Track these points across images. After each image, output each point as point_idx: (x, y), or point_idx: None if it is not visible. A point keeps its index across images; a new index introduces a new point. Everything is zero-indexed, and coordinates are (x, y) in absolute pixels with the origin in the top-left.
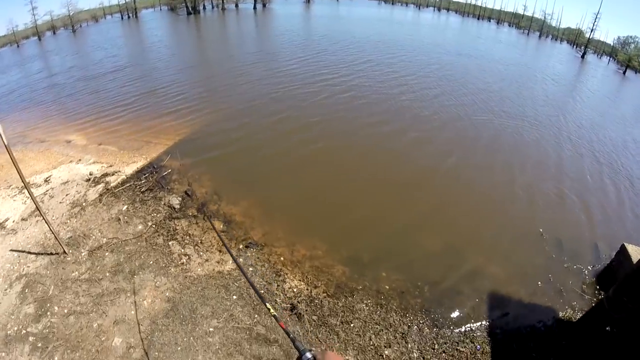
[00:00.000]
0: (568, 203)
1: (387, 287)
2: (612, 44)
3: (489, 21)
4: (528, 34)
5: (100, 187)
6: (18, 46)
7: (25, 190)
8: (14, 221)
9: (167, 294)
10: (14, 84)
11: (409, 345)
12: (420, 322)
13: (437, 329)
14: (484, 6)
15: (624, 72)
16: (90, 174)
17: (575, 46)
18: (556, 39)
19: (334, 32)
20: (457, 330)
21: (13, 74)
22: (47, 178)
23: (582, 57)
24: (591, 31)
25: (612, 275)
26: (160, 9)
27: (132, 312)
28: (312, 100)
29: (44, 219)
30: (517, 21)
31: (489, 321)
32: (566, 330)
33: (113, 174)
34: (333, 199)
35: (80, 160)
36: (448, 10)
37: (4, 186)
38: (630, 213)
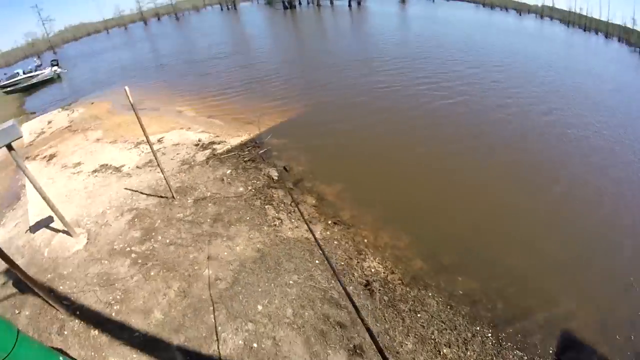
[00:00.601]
0: None
1: (461, 292)
2: None
3: (597, 34)
4: None
5: (208, 152)
6: (126, 28)
7: (140, 146)
8: (129, 167)
9: (257, 246)
10: (126, 61)
11: (468, 353)
12: (486, 334)
13: (499, 347)
14: (590, 16)
15: None
16: (199, 140)
17: None
18: None
19: (433, 35)
20: (519, 354)
21: (124, 52)
22: (160, 139)
23: None
24: None
25: None
26: (258, 2)
27: (225, 253)
28: (414, 103)
29: (158, 165)
30: (627, 36)
31: (564, 348)
32: None
33: (219, 143)
34: (425, 200)
35: (189, 128)
36: (551, 18)
37: (121, 140)
38: None
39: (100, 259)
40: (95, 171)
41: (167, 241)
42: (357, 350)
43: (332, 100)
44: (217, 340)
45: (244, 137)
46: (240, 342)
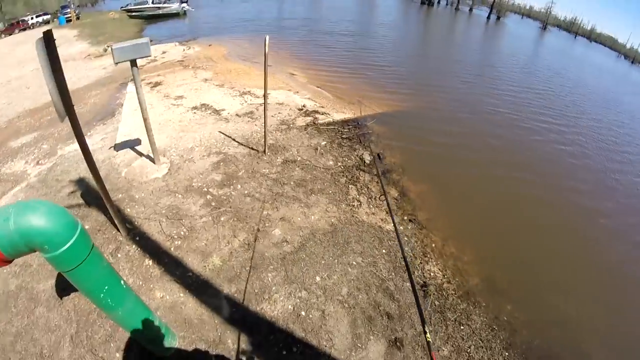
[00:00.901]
0: None
1: (505, 318)
2: None
3: None
4: None
5: (309, 119)
6: None
7: (245, 96)
8: (229, 113)
9: (332, 220)
10: (252, 14)
11: None
12: None
13: None
14: None
15: None
16: (304, 106)
17: None
18: None
19: (566, 74)
20: None
21: (252, 6)
22: (263, 94)
23: None
24: None
25: None
26: None
27: (299, 219)
28: (528, 137)
29: (264, 116)
30: None
31: None
32: None
33: (322, 114)
34: (502, 227)
35: (297, 92)
36: None
37: (228, 86)
38: None
39: (176, 192)
40: (195, 108)
41: (246, 192)
42: (398, 344)
43: (443, 107)
44: (268, 300)
45: (348, 115)
46: (290, 306)
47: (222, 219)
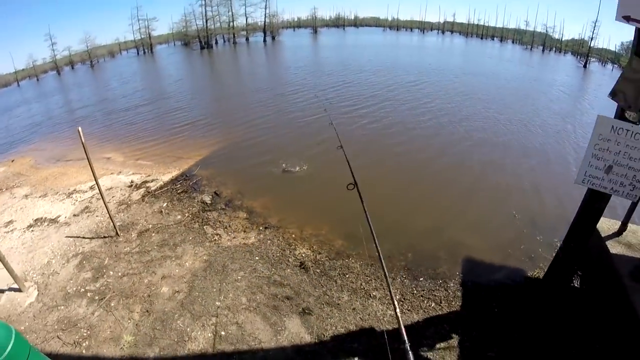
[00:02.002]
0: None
1: (376, 254)
2: (615, 51)
3: (492, 39)
4: (531, 48)
5: (142, 190)
6: (37, 79)
7: (73, 195)
8: (66, 217)
9: (204, 257)
10: (42, 115)
11: (393, 290)
12: (403, 276)
13: (416, 281)
14: (487, 25)
15: None
16: (132, 182)
17: (579, 56)
18: (560, 51)
19: (343, 61)
20: (433, 282)
21: (39, 106)
22: (92, 186)
23: (585, 66)
24: (591, 39)
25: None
26: (174, 44)
27: (177, 270)
28: (321, 128)
29: (103, 200)
30: (520, 37)
31: (462, 276)
32: (533, 285)
33: (152, 181)
34: (334, 197)
35: (120, 172)
36: (452, 32)
37: (52, 193)
38: None
39: (56, 306)
40: (30, 226)
41: (120, 274)
42: (306, 311)
43: (245, 134)
44: (189, 339)
45: (174, 173)
46: (209, 334)
47: (112, 304)
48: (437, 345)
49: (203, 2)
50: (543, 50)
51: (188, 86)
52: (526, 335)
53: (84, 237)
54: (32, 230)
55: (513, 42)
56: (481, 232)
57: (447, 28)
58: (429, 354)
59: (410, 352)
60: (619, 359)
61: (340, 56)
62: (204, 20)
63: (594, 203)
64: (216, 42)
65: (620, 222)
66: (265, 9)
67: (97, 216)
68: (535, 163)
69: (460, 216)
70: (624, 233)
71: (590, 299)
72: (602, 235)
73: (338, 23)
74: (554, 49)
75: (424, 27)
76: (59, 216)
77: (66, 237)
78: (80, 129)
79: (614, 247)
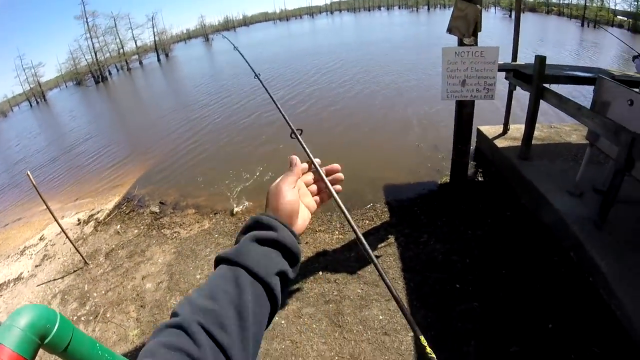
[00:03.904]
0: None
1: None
2: None
3: (379, 9)
4: (417, 10)
5: (92, 223)
6: None
7: (27, 251)
8: (29, 271)
9: (172, 250)
10: None
11: (333, 223)
12: (338, 211)
13: (349, 212)
14: None
15: (510, 15)
16: (79, 220)
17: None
18: (444, 7)
19: (241, 63)
20: (363, 208)
21: None
22: (40, 237)
23: None
24: None
25: (480, 151)
26: (66, 86)
27: (153, 268)
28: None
29: (64, 234)
30: (405, 2)
31: (386, 198)
32: (444, 189)
33: (97, 213)
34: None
35: (63, 216)
36: (340, 10)
37: (3, 259)
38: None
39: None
40: None
41: (103, 292)
42: None
43: (170, 146)
44: None
45: (116, 199)
46: None
47: (107, 315)
48: (379, 245)
49: (88, 35)
50: (428, 9)
51: (100, 127)
52: (447, 220)
53: (55, 279)
54: (1, 296)
55: (399, 8)
56: (395, 165)
57: (335, 8)
58: (376, 253)
59: (366, 245)
60: (520, 216)
61: (236, 58)
62: (93, 53)
63: (462, 110)
64: (110, 73)
65: (502, 125)
66: (153, 27)
67: (59, 258)
68: (426, 102)
69: (374, 158)
70: (508, 132)
71: (491, 185)
72: (490, 137)
73: (228, 26)
74: (438, 5)
75: (312, 11)
76: (21, 273)
77: (37, 286)
78: (29, 172)
79: (501, 143)
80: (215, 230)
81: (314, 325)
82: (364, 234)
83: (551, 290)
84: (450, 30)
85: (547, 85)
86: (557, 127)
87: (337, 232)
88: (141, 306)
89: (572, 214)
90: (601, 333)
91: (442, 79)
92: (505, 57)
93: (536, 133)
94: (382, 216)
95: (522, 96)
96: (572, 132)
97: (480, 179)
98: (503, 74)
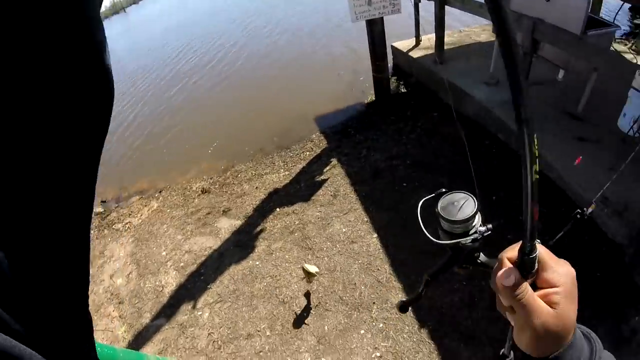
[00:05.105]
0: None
1: (248, 149)
2: None
3: None
4: None
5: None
6: None
7: None
8: None
9: (130, 240)
10: None
11: (276, 163)
12: (278, 152)
13: (288, 149)
14: None
15: None
16: None
17: None
18: None
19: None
20: (301, 142)
21: None
22: None
23: None
24: None
25: (398, 67)
26: None
27: (117, 264)
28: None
29: None
30: None
31: (320, 128)
32: (372, 106)
33: None
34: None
35: None
36: None
37: None
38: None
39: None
40: None
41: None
42: (226, 210)
43: None
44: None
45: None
46: (174, 272)
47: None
48: (324, 170)
49: None
50: None
51: None
52: (381, 133)
53: None
54: None
55: None
56: (321, 97)
57: None
58: (322, 177)
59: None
60: (447, 114)
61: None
62: None
63: (373, 28)
64: None
65: (414, 37)
66: None
67: None
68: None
69: (299, 97)
70: (421, 43)
71: (414, 94)
72: (405, 51)
73: (117, 9)
74: None
75: None
76: None
77: None
78: None
79: (416, 54)
80: (165, 207)
81: (287, 256)
82: (308, 164)
83: (489, 168)
84: None
85: None
86: (466, 31)
87: (282, 170)
88: (119, 303)
89: (492, 100)
90: (542, 195)
91: (348, 1)
92: None
93: (448, 39)
94: (320, 144)
95: (429, 9)
96: (481, 32)
97: (403, 90)
98: None
